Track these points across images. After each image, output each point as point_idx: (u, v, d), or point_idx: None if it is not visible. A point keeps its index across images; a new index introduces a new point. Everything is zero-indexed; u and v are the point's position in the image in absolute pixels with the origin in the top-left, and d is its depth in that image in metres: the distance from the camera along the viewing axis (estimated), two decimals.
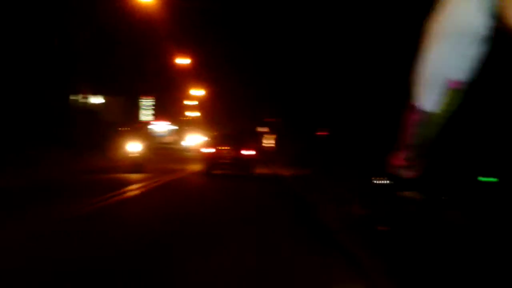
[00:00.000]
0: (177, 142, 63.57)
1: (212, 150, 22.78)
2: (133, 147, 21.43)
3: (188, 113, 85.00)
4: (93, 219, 9.70)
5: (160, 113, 57.29)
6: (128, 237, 7.97)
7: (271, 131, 55.95)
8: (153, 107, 53.94)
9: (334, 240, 8.04)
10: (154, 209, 11.86)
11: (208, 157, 22.83)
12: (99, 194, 12.51)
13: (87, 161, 26.81)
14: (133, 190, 15.08)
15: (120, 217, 10.48)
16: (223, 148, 22.61)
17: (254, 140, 27.94)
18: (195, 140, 72.54)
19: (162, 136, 60.47)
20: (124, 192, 14.26)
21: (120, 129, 20.44)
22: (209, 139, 27.11)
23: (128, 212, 11.37)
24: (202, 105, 77.81)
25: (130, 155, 20.91)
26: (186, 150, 54.89)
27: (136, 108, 50.13)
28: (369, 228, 7.73)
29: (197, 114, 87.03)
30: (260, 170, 24.86)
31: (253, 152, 23.05)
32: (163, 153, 41.43)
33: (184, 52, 46.10)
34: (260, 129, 57.99)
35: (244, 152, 22.48)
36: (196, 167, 26.56)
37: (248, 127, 49.77)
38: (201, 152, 25.28)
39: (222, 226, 9.30)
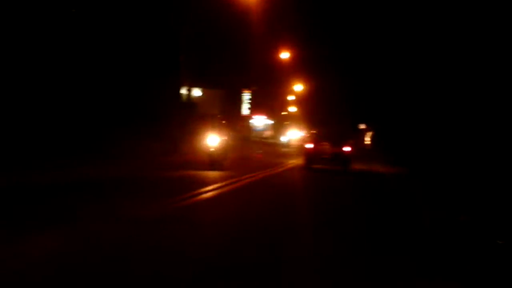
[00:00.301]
0: (274, 137, 64.23)
1: (312, 145, 23.97)
2: (213, 141, 18.98)
3: (287, 109, 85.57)
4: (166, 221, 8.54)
5: (259, 107, 57.85)
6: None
7: (368, 129, 55.49)
8: (253, 101, 54.43)
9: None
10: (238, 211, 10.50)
11: (308, 152, 24.09)
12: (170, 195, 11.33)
13: (176, 155, 26.92)
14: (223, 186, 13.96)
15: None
16: (322, 144, 23.80)
17: (352, 137, 28.65)
18: (293, 136, 73.09)
19: (260, 131, 61.15)
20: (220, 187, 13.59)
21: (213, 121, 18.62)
22: (310, 135, 28.42)
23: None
24: (301, 101, 78.11)
25: (211, 149, 18.88)
26: (284, 145, 55.42)
27: (238, 102, 50.95)
28: None
29: (295, 109, 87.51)
30: (357, 166, 25.83)
31: (350, 149, 23.92)
32: (263, 148, 41.97)
33: (286, 48, 46.64)
34: (360, 126, 57.80)
35: (342, 148, 23.58)
36: (295, 161, 28.35)
37: (346, 124, 46.82)
38: (302, 147, 27.34)
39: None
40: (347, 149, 23.64)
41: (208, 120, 20.27)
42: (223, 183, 14.24)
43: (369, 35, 36.43)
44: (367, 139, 57.10)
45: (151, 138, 27.03)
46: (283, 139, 62.16)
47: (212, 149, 19.02)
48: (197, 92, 47.22)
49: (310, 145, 24.14)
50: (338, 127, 29.26)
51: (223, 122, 20.52)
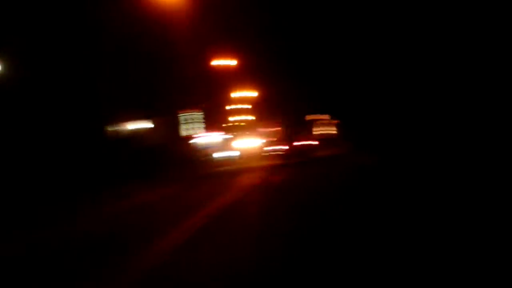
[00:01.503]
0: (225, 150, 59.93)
1: (281, 147, 30.08)
2: None
3: (236, 118, 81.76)
4: None
5: (209, 124, 53.79)
6: None
7: (332, 118, 52.50)
8: (200, 119, 50.02)
9: None
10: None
11: (280, 153, 29.95)
12: None
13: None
14: None
15: None
16: (287, 144, 29.71)
17: (309, 132, 34.93)
18: (253, 144, 69.13)
19: (209, 148, 56.67)
20: None
21: None
22: (272, 139, 34.47)
23: None
24: (253, 108, 74.69)
25: None
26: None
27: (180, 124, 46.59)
28: None
29: (247, 117, 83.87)
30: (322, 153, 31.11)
31: (312, 142, 30.20)
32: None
33: (230, 55, 42.44)
34: (320, 116, 54.83)
35: (303, 142, 29.81)
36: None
37: (302, 121, 53.87)
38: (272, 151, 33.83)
39: None
40: (309, 142, 29.84)
41: None
42: None
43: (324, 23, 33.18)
44: (333, 129, 54.06)
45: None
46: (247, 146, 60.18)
47: None
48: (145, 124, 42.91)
49: (284, 146, 30.26)
50: (295, 129, 35.84)
51: None
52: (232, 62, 44.05)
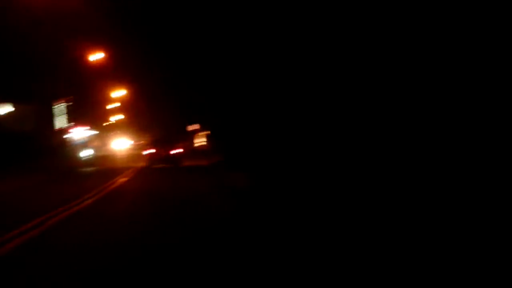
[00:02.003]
0: (100, 149, 58.48)
1: (150, 151, 30.38)
2: None
3: (111, 117, 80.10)
4: None
5: (78, 118, 51.84)
6: None
7: (203, 129, 52.63)
8: (70, 112, 48.15)
9: None
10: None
11: (149, 156, 30.30)
12: None
13: None
14: None
15: None
16: (157, 148, 30.04)
17: (182, 140, 35.71)
18: (122, 144, 68.16)
19: (82, 143, 55.20)
20: None
21: None
22: (147, 142, 35.57)
23: None
24: (127, 107, 73.42)
25: None
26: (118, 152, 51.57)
27: (50, 115, 44.38)
28: None
29: (121, 117, 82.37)
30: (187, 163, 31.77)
31: (180, 150, 30.94)
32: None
33: (99, 49, 41.49)
34: (190, 127, 54.95)
35: (174, 150, 30.22)
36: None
37: (176, 130, 54.42)
38: (141, 153, 33.67)
39: None
40: (178, 151, 30.40)
41: None
42: None
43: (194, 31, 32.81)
44: (203, 140, 54.25)
45: None
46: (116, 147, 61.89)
47: None
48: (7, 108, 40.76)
49: (150, 151, 30.44)
50: (169, 134, 37.89)
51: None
52: (105, 56, 43.06)
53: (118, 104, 69.41)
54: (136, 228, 9.03)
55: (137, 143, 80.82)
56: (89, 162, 37.81)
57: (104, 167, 32.26)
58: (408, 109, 13.05)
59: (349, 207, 9.83)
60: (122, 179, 21.29)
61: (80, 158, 36.32)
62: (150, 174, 24.97)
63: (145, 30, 46.71)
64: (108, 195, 14.98)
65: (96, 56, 41.77)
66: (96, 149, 58.37)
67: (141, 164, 31.25)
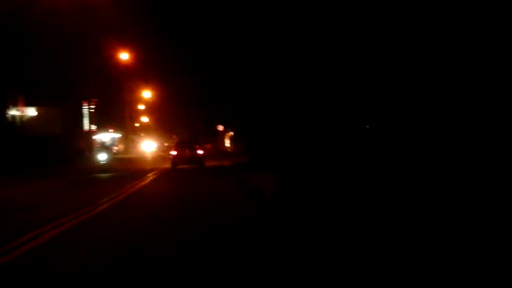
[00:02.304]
0: (125, 151, 58.82)
1: (175, 152, 31.39)
2: None
3: (139, 119, 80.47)
4: None
5: (103, 120, 51.89)
6: None
7: (227, 130, 52.48)
8: (96, 114, 48.22)
9: None
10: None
11: (173, 157, 31.29)
12: None
13: None
14: None
15: None
16: (182, 150, 31.34)
17: (206, 142, 39.02)
18: (148, 147, 68.42)
19: (107, 146, 55.42)
20: None
21: None
22: (173, 144, 38.96)
23: None
24: (153, 109, 73.60)
25: None
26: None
27: (79, 117, 44.49)
28: None
29: (147, 119, 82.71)
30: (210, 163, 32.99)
31: (202, 152, 31.79)
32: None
33: (127, 50, 41.55)
34: (216, 128, 54.82)
35: (197, 152, 31.17)
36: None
37: (200, 130, 57.54)
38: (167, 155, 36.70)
39: None
40: (200, 152, 31.29)
41: None
42: None
43: (221, 33, 32.50)
44: (227, 141, 54.06)
45: None
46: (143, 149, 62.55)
47: None
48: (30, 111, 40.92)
49: (173, 152, 31.55)
50: (193, 136, 40.09)
51: None
52: (132, 57, 43.04)
53: (143, 107, 69.71)
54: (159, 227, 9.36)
55: (163, 145, 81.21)
56: (114, 164, 37.75)
57: (130, 168, 32.19)
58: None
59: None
60: (149, 178, 22.36)
61: (106, 160, 36.15)
62: (174, 174, 26.25)
63: (172, 31, 46.92)
64: (138, 191, 16.61)
65: (124, 57, 41.65)
66: (121, 151, 58.76)
67: (166, 165, 32.25)
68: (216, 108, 47.65)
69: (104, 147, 41.13)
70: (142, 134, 78.87)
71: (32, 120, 40.31)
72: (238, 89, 32.50)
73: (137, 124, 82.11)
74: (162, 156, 47.87)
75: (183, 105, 58.43)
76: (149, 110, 75.41)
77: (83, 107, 44.00)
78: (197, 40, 39.84)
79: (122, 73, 47.32)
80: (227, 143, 52.97)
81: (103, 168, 32.74)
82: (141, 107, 68.99)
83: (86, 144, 43.76)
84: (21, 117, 39.33)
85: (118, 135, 56.51)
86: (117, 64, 43.70)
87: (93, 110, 45.75)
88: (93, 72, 42.05)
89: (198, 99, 51.85)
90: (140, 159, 46.53)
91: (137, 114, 75.04)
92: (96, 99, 45.59)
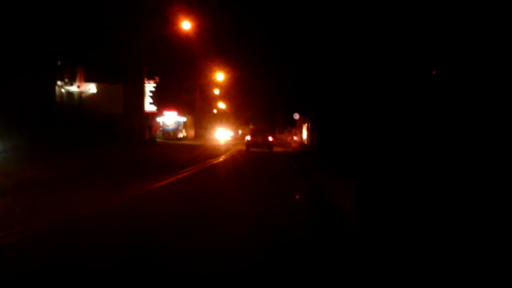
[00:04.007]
0: (188, 137, 54.86)
1: (250, 137, 37.02)
2: None
3: (215, 105, 77.34)
4: None
5: (168, 101, 48.32)
6: None
7: (304, 121, 48.22)
8: (158, 94, 44.36)
9: None
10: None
11: (248, 141, 36.83)
12: None
13: None
14: None
15: None
16: (255, 136, 36.92)
17: (277, 132, 45.58)
18: (222, 135, 64.86)
19: (170, 130, 51.75)
20: None
21: None
22: (249, 130, 44.73)
23: None
24: (227, 95, 70.51)
25: None
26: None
27: (138, 96, 40.68)
28: None
29: (223, 106, 79.57)
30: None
31: (272, 139, 37.23)
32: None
33: (198, 25, 37.50)
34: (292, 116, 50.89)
35: (268, 138, 36.57)
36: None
37: (273, 119, 65.36)
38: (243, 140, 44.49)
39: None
40: (270, 139, 36.81)
41: None
42: None
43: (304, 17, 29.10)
44: (303, 132, 49.87)
45: None
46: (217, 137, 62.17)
47: None
48: (92, 88, 37.97)
49: (248, 137, 37.28)
50: (265, 125, 45.34)
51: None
52: (201, 35, 39.53)
53: (218, 92, 65.98)
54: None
55: (238, 134, 77.89)
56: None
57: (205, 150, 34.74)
58: None
59: None
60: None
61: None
62: (247, 154, 32.27)
63: (251, 14, 43.85)
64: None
65: (193, 32, 37.55)
66: (189, 137, 55.20)
67: (241, 147, 39.25)
68: (295, 97, 43.63)
69: (172, 130, 45.61)
70: (217, 122, 75.17)
71: (92, 97, 37.45)
72: (324, 76, 28.73)
73: (214, 111, 79.04)
74: (234, 144, 45.91)
75: (261, 93, 56.29)
76: (226, 97, 72.19)
77: (145, 85, 40.39)
78: (281, 25, 37.64)
79: (194, 51, 43.80)
80: (304, 134, 48.51)
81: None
82: (216, 91, 65.20)
83: (149, 126, 41.33)
84: (80, 93, 36.45)
85: (183, 119, 52.61)
86: (190, 44, 40.06)
87: (154, 90, 42.37)
88: (159, 48, 38.66)
89: (278, 86, 48.64)
90: (212, 146, 42.27)
91: (213, 100, 71.79)
92: (160, 78, 42.34)
